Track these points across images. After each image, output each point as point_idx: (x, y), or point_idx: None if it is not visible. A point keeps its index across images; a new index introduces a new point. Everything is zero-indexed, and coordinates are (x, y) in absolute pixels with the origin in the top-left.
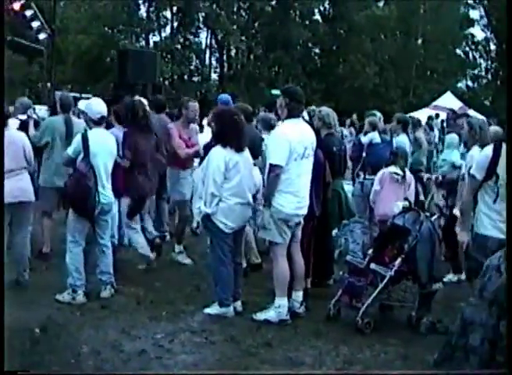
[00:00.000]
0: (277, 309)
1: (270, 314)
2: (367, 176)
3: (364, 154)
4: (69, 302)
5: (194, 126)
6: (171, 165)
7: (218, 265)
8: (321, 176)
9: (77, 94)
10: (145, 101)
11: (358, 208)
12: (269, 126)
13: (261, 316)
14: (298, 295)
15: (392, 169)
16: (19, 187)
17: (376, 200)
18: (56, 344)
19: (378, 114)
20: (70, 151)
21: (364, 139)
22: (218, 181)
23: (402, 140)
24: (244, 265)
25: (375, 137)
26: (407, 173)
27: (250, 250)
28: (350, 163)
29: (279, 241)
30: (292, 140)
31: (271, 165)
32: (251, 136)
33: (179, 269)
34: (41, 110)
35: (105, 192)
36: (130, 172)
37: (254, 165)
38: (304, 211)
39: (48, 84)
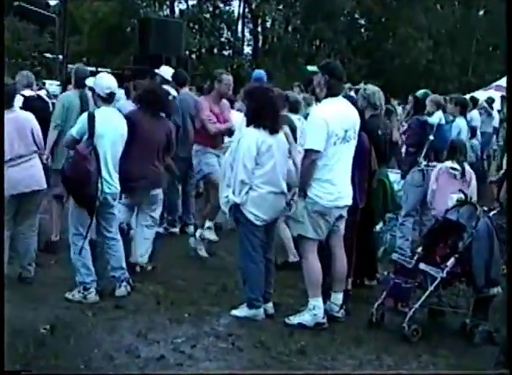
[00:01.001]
0: (312, 312)
1: (305, 317)
2: (430, 163)
3: (431, 137)
4: (79, 301)
5: (227, 102)
6: (198, 142)
7: (248, 261)
8: (366, 162)
9: (93, 68)
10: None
11: (415, 200)
12: (295, 109)
13: (294, 319)
14: (337, 298)
15: (450, 164)
16: (31, 174)
17: (433, 201)
18: (65, 348)
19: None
20: (74, 131)
21: (433, 119)
22: (249, 167)
23: (459, 124)
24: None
25: (441, 117)
26: (467, 167)
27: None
28: (403, 148)
29: (312, 235)
30: (330, 121)
31: (306, 150)
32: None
33: (203, 266)
34: (52, 85)
35: (111, 180)
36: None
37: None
38: (345, 202)
39: (60, 57)
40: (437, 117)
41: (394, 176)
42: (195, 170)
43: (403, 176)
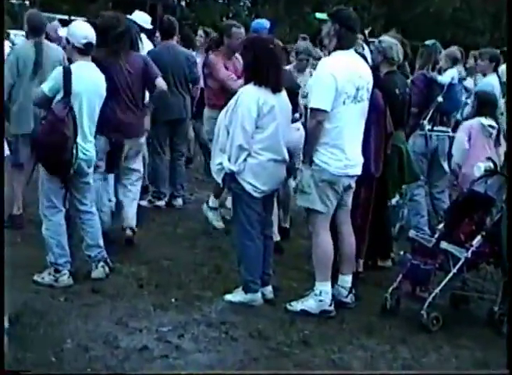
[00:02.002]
0: (317, 297)
1: (309, 303)
2: (435, 128)
3: (440, 98)
4: (50, 285)
5: (239, 57)
6: (213, 106)
7: (244, 239)
8: (381, 125)
9: (66, 17)
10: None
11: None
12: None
13: (297, 305)
14: (346, 280)
15: (485, 120)
16: None
17: (464, 163)
18: (33, 338)
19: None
20: (46, 87)
21: (444, 78)
22: (249, 130)
23: (490, 81)
24: (277, 238)
25: (454, 75)
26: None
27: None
28: None
29: (321, 209)
30: (340, 77)
31: (312, 109)
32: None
33: (193, 244)
34: (17, 36)
35: (86, 145)
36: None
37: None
38: (356, 171)
39: (27, 3)
40: (449, 75)
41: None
42: (205, 134)
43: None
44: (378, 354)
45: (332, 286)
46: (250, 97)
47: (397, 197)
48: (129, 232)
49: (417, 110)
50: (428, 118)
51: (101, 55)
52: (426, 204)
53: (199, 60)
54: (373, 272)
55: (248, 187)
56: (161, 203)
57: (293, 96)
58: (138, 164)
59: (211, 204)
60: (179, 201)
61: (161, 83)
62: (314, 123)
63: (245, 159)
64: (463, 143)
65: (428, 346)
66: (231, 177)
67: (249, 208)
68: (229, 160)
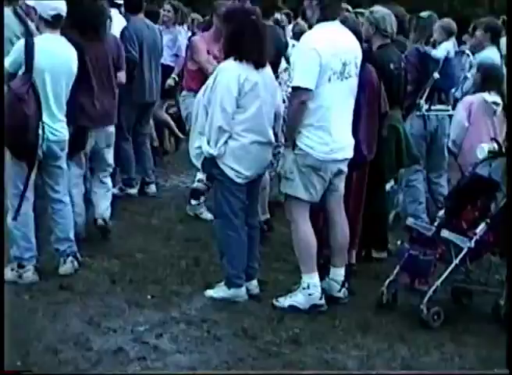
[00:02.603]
0: (306, 291)
1: (297, 298)
2: (433, 107)
3: (436, 75)
4: (13, 281)
5: None
6: (188, 90)
7: (226, 229)
8: (374, 103)
9: None
10: None
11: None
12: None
13: (285, 301)
14: (338, 273)
15: (488, 96)
16: None
17: (463, 142)
18: None
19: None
20: (7, 62)
21: (438, 52)
22: (229, 110)
23: (489, 55)
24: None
25: (450, 49)
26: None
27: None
28: None
29: (304, 196)
30: (324, 52)
31: (294, 88)
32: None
33: (169, 236)
34: None
35: (55, 125)
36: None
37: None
38: (346, 154)
39: None
40: (444, 49)
41: None
42: (184, 120)
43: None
44: (375, 353)
45: (324, 279)
46: (229, 73)
47: (391, 182)
48: (100, 222)
49: (413, 88)
50: (424, 97)
51: (75, 33)
52: (424, 190)
53: (166, 38)
54: (367, 264)
55: (230, 173)
56: (133, 191)
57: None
58: (111, 158)
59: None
60: (152, 189)
61: (122, 77)
62: (296, 102)
63: (226, 142)
64: (461, 120)
65: (429, 344)
66: (211, 162)
67: (232, 196)
68: (209, 143)
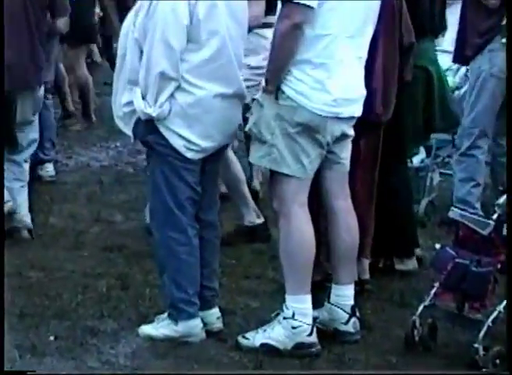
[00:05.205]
0: (289, 322)
1: (274, 333)
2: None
3: None
4: None
5: None
6: None
7: (168, 230)
8: (393, 34)
9: None
10: None
11: (489, 109)
12: None
13: (255, 338)
14: (344, 295)
15: None
16: None
17: None
18: None
19: None
20: None
21: None
22: (177, 46)
23: None
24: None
25: None
26: None
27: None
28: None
29: (293, 172)
30: None
31: (284, 3)
32: None
33: (79, 241)
34: None
35: None
36: None
37: None
38: (354, 111)
39: None
40: None
41: (448, 60)
42: None
43: (460, 61)
44: None
45: (319, 305)
46: None
47: (422, 154)
48: (25, 234)
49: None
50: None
51: None
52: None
53: None
54: (388, 280)
55: (177, 142)
56: None
57: None
58: (35, 132)
59: None
60: (48, 170)
61: (62, 26)
62: (288, 25)
63: (172, 96)
64: None
65: None
66: (147, 126)
67: (177, 178)
68: (145, 98)
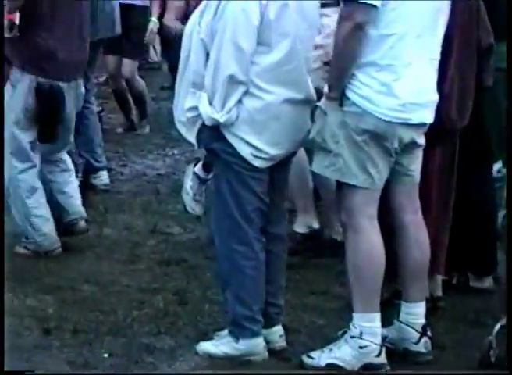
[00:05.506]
0: (357, 342)
1: (341, 353)
2: None
3: None
4: None
5: None
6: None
7: (232, 243)
8: (469, 34)
9: None
10: None
11: None
12: None
13: (320, 357)
14: (415, 313)
15: None
16: None
17: None
18: None
19: None
20: None
21: None
22: (246, 48)
23: None
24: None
25: None
26: None
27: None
28: None
29: (360, 183)
30: None
31: (346, 4)
32: None
33: (134, 254)
34: None
35: None
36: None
37: None
38: (425, 117)
39: None
40: None
41: None
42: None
43: None
44: None
45: (388, 323)
46: None
47: (499, 163)
48: (83, 225)
49: None
50: None
51: None
52: None
53: None
54: (462, 297)
55: (244, 150)
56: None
57: None
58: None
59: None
60: (102, 178)
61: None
62: (349, 26)
63: (240, 101)
64: None
65: None
66: (213, 133)
67: (244, 188)
68: (211, 103)
